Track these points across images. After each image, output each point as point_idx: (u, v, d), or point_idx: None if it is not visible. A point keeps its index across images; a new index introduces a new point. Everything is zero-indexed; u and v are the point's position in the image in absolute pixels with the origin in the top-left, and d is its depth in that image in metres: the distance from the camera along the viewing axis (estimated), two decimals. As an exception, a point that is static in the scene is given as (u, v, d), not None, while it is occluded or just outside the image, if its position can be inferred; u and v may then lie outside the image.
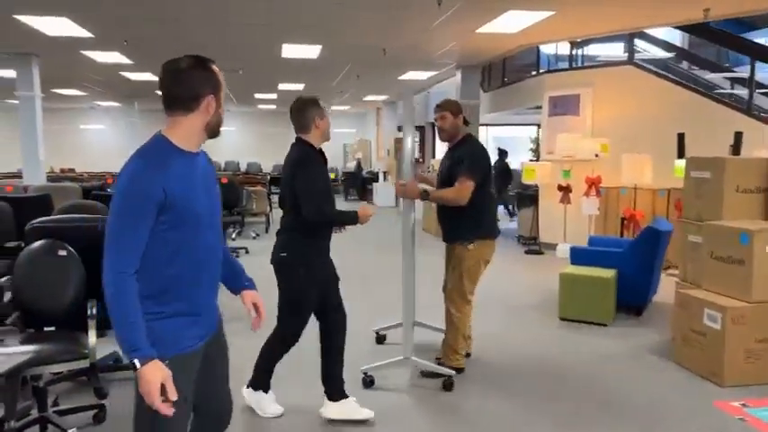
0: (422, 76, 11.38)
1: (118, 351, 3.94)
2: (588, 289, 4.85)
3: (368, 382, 3.58)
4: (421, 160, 18.59)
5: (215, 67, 1.84)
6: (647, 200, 7.23)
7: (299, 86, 13.13)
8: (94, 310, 3.07)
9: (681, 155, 6.71)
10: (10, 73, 10.19)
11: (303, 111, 3.02)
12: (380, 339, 4.35)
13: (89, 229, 3.31)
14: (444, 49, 8.84)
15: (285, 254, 3.06)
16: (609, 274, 4.88)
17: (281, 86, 13.17)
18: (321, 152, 3.11)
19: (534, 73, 9.66)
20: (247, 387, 3.26)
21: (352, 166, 18.59)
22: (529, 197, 8.95)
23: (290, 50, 8.68)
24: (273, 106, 17.86)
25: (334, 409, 3.14)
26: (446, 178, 3.68)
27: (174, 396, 1.66)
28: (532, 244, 8.72)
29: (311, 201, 2.93)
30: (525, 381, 3.70)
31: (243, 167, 19.52)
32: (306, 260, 3.06)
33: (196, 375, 1.85)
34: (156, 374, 1.63)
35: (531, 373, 3.82)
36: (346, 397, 3.17)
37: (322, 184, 3.02)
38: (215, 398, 2.04)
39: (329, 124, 3.09)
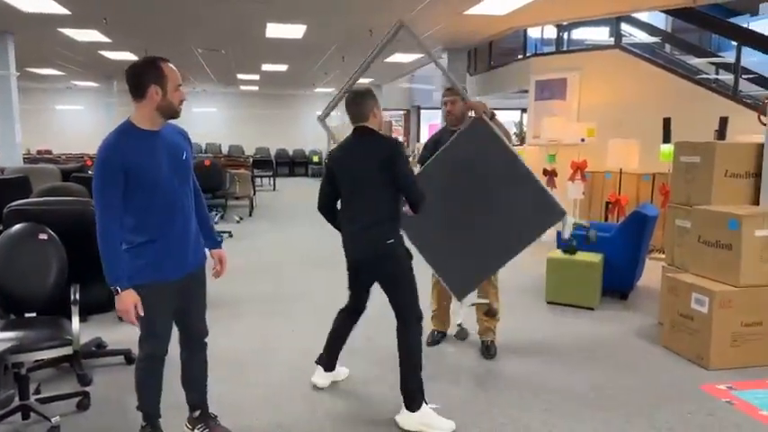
0: (408, 58, 11.28)
1: (100, 337, 3.86)
2: (575, 273, 4.87)
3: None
4: (405, 143, 18.55)
5: (163, 65, 2.37)
6: (631, 185, 7.26)
7: (283, 67, 12.94)
8: (77, 296, 2.99)
9: (666, 139, 6.73)
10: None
11: (362, 101, 2.94)
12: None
13: (70, 213, 3.21)
14: (431, 31, 8.74)
15: (392, 240, 2.95)
16: (596, 258, 4.89)
17: (265, 67, 12.96)
18: None
19: (521, 57, 9.61)
20: (406, 411, 2.91)
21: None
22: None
23: (275, 30, 8.51)
24: (256, 87, 17.59)
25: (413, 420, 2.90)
26: None
27: (141, 312, 2.36)
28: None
29: (417, 186, 2.91)
30: (513, 364, 3.70)
31: (225, 150, 19.25)
32: (404, 244, 3.05)
33: (177, 300, 2.53)
34: (128, 299, 2.34)
35: (519, 356, 3.82)
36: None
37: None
38: (193, 325, 2.67)
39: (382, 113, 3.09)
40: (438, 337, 4.05)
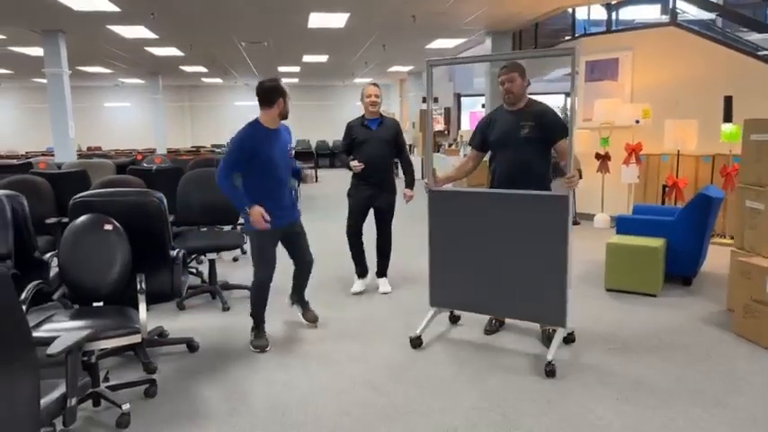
0: (450, 44, 11.12)
1: (162, 326, 3.92)
2: (636, 258, 4.69)
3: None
4: (446, 132, 18.34)
5: (283, 84, 3.57)
6: (689, 167, 6.97)
7: (323, 58, 12.94)
8: (143, 284, 3.03)
9: (728, 119, 6.44)
10: (36, 51, 10.19)
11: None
12: (455, 320, 4.17)
13: (133, 204, 3.25)
14: (475, 15, 8.58)
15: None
16: (657, 242, 4.71)
17: (306, 58, 12.99)
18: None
19: (569, 38, 9.33)
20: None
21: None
22: (556, 164, 8.69)
23: (318, 20, 8.49)
24: (296, 80, 17.68)
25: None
26: (521, 142, 3.57)
27: (267, 217, 3.47)
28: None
29: None
30: (576, 352, 3.59)
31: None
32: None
33: (284, 241, 3.78)
34: (256, 211, 3.46)
35: (582, 344, 3.71)
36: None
37: None
38: (302, 253, 3.93)
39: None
40: (496, 326, 3.97)
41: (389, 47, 11.18)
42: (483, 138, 3.80)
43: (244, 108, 19.77)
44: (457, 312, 4.12)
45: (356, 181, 4.72)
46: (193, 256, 5.64)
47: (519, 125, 3.59)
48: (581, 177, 3.57)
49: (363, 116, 4.73)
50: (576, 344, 3.71)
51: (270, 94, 3.55)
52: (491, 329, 3.93)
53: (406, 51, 12.19)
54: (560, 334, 3.44)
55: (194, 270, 5.42)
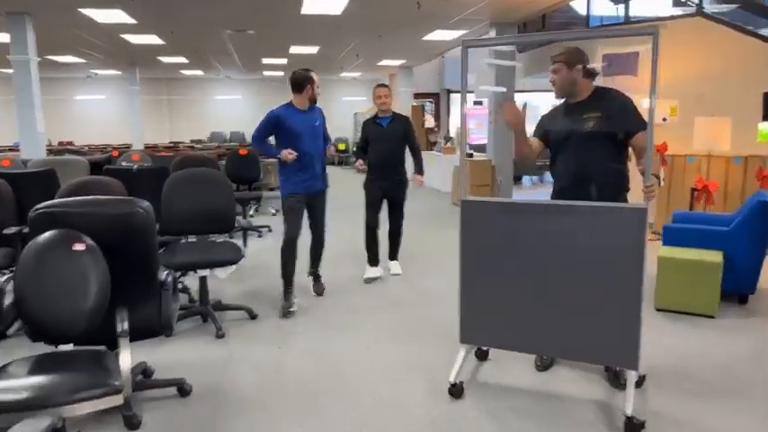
0: (449, 35, 10.48)
1: (146, 361, 3.23)
2: (693, 274, 4.12)
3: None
4: (436, 129, 17.74)
5: (312, 74, 4.28)
6: (719, 169, 6.46)
7: (314, 50, 12.21)
8: (125, 324, 2.35)
9: (767, 116, 5.94)
10: (3, 37, 9.30)
11: None
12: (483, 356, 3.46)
13: (114, 217, 2.56)
14: (480, 5, 7.98)
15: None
16: (716, 257, 4.15)
17: (294, 50, 12.24)
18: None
19: (584, 29, 8.77)
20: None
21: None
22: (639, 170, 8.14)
23: (312, 5, 7.79)
24: (281, 73, 16.85)
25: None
26: (586, 138, 2.95)
27: (294, 153, 4.16)
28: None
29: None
30: (650, 396, 2.99)
31: (248, 138, 18.66)
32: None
33: (306, 209, 4.41)
34: (285, 153, 4.16)
35: (653, 381, 3.11)
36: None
37: None
38: (316, 224, 4.50)
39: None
40: (548, 360, 3.35)
41: (385, 37, 10.52)
42: (544, 133, 3.20)
43: (226, 102, 18.94)
44: (485, 347, 3.41)
45: (371, 174, 5.09)
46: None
47: (582, 118, 2.98)
48: (660, 185, 2.94)
49: (377, 114, 5.12)
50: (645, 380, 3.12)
51: (301, 81, 4.27)
52: (543, 365, 3.31)
53: (401, 43, 11.53)
54: (633, 378, 2.77)
55: (180, 284, 4.71)
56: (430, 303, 4.54)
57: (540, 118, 3.29)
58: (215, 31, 9.83)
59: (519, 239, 2.89)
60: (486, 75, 8.69)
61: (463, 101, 3.04)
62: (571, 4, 10.15)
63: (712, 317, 4.10)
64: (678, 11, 8.47)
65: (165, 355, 3.50)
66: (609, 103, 2.98)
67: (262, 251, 6.23)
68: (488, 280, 2.99)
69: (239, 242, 4.23)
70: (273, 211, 9.04)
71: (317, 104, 4.38)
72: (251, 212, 8.69)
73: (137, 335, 2.62)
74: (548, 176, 14.81)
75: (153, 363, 3.27)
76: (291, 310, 4.25)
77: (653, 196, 2.70)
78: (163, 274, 2.74)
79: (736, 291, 4.38)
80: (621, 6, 9.18)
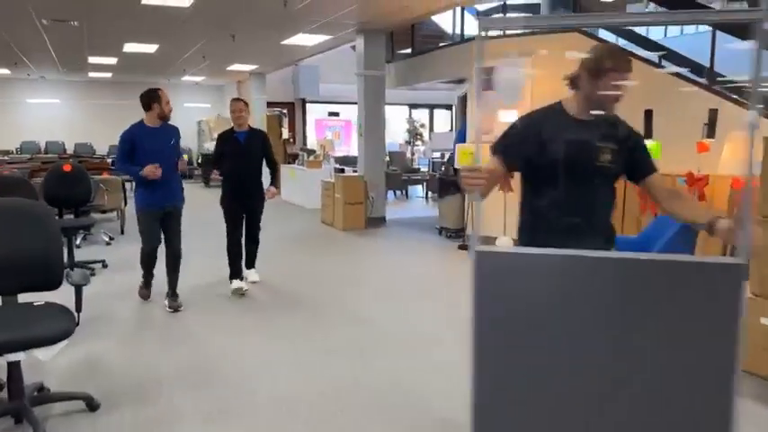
0: (311, 40, 9.65)
1: (42, 381, 1.94)
2: None
3: None
4: (292, 140, 16.74)
5: (160, 92, 4.49)
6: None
7: (152, 48, 10.64)
8: None
9: (648, 134, 5.92)
10: None
11: None
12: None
13: None
14: (351, 7, 7.29)
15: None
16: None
17: (128, 48, 10.57)
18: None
19: (443, 44, 8.42)
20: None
21: (211, 147, 16.11)
22: (453, 182, 7.73)
23: (158, -7, 6.52)
24: (109, 74, 14.70)
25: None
26: (595, 173, 2.21)
27: (157, 172, 4.34)
28: (461, 237, 7.60)
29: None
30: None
31: (70, 149, 16.09)
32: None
33: (161, 223, 4.57)
34: (147, 168, 4.33)
35: None
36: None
37: None
38: (172, 239, 4.64)
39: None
40: None
41: (239, 38, 9.39)
42: (522, 150, 2.26)
43: (40, 107, 16.21)
44: None
45: (228, 190, 5.12)
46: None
47: (595, 146, 2.20)
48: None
49: (232, 128, 5.13)
50: None
51: (147, 99, 4.44)
52: None
53: (256, 46, 10.45)
54: None
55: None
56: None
57: (510, 128, 2.31)
58: (28, 19, 7.98)
59: (559, 306, 1.90)
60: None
61: (478, 96, 2.23)
62: (435, 20, 9.90)
63: None
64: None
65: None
66: (622, 135, 2.25)
67: (100, 296, 4.87)
68: (516, 363, 1.94)
69: (69, 298, 2.97)
70: (107, 239, 7.48)
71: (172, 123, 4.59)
72: (77, 242, 7.06)
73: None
74: (414, 190, 14.60)
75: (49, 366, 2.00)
76: (148, 299, 4.77)
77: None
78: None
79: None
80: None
